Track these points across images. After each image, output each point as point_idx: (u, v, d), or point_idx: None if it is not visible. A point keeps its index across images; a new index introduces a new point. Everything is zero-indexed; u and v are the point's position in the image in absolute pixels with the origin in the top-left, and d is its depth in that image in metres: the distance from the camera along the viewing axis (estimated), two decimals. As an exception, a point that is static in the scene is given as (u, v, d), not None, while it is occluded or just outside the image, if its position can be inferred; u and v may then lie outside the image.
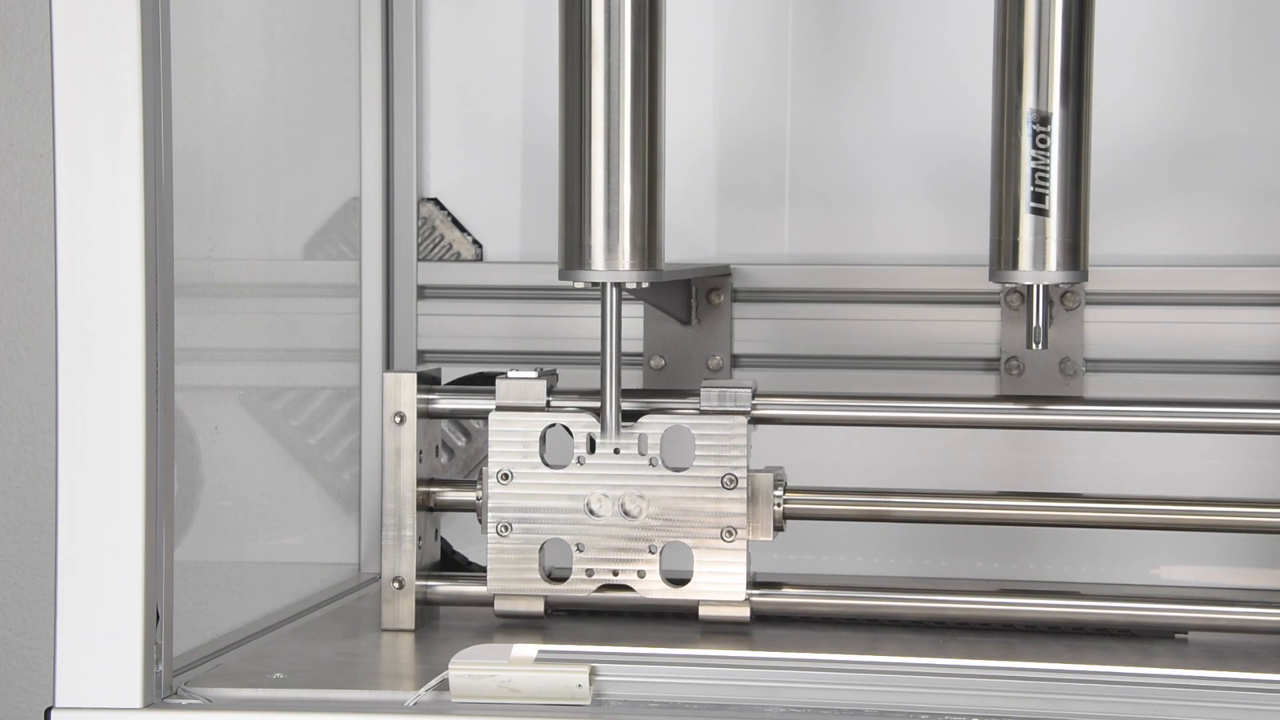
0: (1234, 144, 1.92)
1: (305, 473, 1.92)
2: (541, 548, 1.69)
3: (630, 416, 1.69)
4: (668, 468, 1.68)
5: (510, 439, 1.69)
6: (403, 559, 1.71)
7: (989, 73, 1.66)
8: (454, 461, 2.05)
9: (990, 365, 1.95)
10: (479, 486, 1.70)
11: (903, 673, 1.45)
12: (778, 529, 1.68)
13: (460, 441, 2.05)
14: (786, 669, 1.46)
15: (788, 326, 1.99)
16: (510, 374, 1.71)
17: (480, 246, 2.07)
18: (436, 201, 2.06)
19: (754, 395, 1.69)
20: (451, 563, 1.85)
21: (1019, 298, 1.91)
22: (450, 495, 1.75)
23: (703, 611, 1.67)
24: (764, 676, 1.45)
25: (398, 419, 1.71)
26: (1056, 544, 1.94)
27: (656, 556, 1.67)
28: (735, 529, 1.66)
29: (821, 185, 2.02)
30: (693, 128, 2.01)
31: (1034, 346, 1.68)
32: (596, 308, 1.69)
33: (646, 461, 1.68)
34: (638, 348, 2.00)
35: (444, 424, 2.00)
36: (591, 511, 1.68)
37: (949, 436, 1.92)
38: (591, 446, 1.68)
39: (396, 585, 1.71)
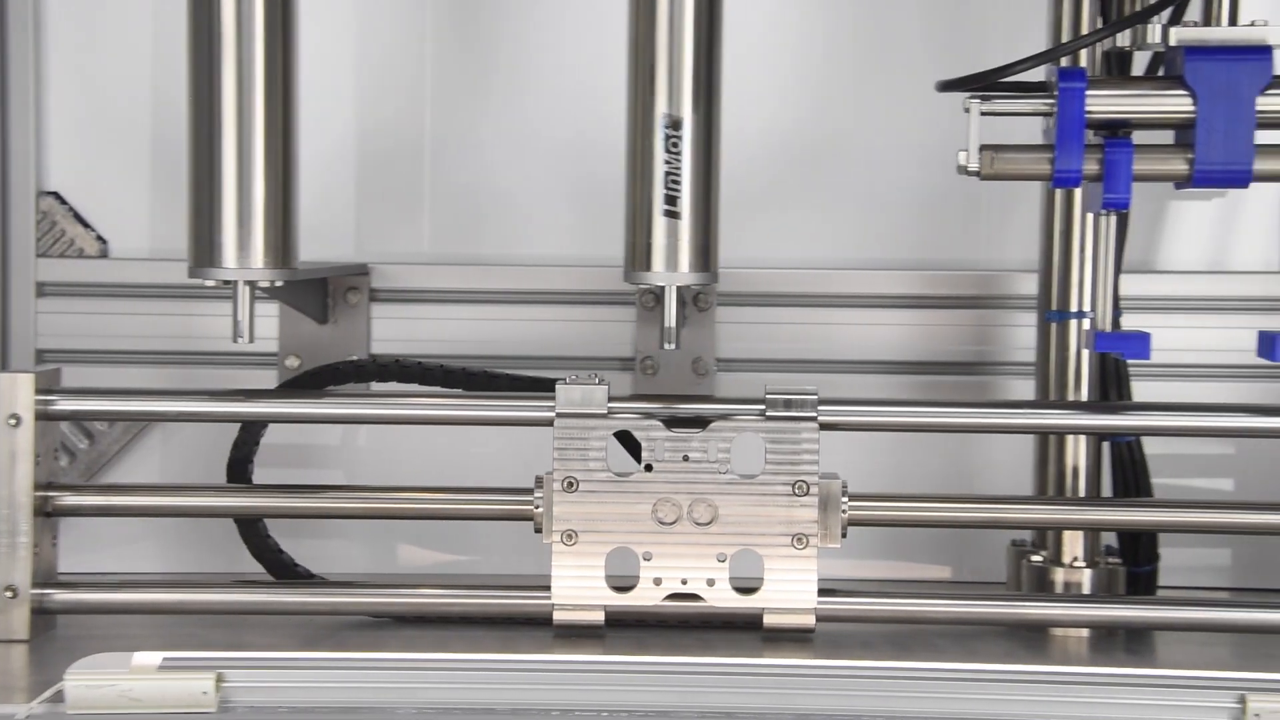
0: (858, 153, 2.00)
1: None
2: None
3: (690, 423, 1.65)
4: (738, 475, 1.64)
5: (574, 446, 1.64)
6: (17, 566, 1.63)
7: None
8: (75, 465, 1.97)
9: (626, 365, 1.98)
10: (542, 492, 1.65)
11: (540, 670, 1.46)
12: (843, 535, 1.65)
13: (83, 444, 1.98)
14: (420, 670, 1.45)
15: (427, 326, 1.98)
16: (570, 379, 1.66)
17: (105, 243, 1.99)
18: (57, 195, 1.98)
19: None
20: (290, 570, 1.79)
21: (653, 298, 1.94)
22: (70, 500, 1.68)
23: (768, 620, 1.65)
24: (398, 678, 1.44)
25: (13, 421, 1.63)
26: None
27: (726, 565, 1.64)
28: (807, 536, 1.63)
29: (462, 186, 2.01)
30: (331, 129, 1.98)
31: (667, 346, 1.72)
32: (229, 306, 1.65)
33: (717, 468, 1.64)
34: (273, 347, 1.96)
35: (65, 426, 1.93)
36: (660, 520, 1.64)
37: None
38: (659, 454, 1.64)
39: (9, 594, 1.63)
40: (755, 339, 1.98)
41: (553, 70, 2.00)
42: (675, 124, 1.66)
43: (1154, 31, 1.57)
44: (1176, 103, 1.55)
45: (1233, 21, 1.56)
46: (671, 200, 1.67)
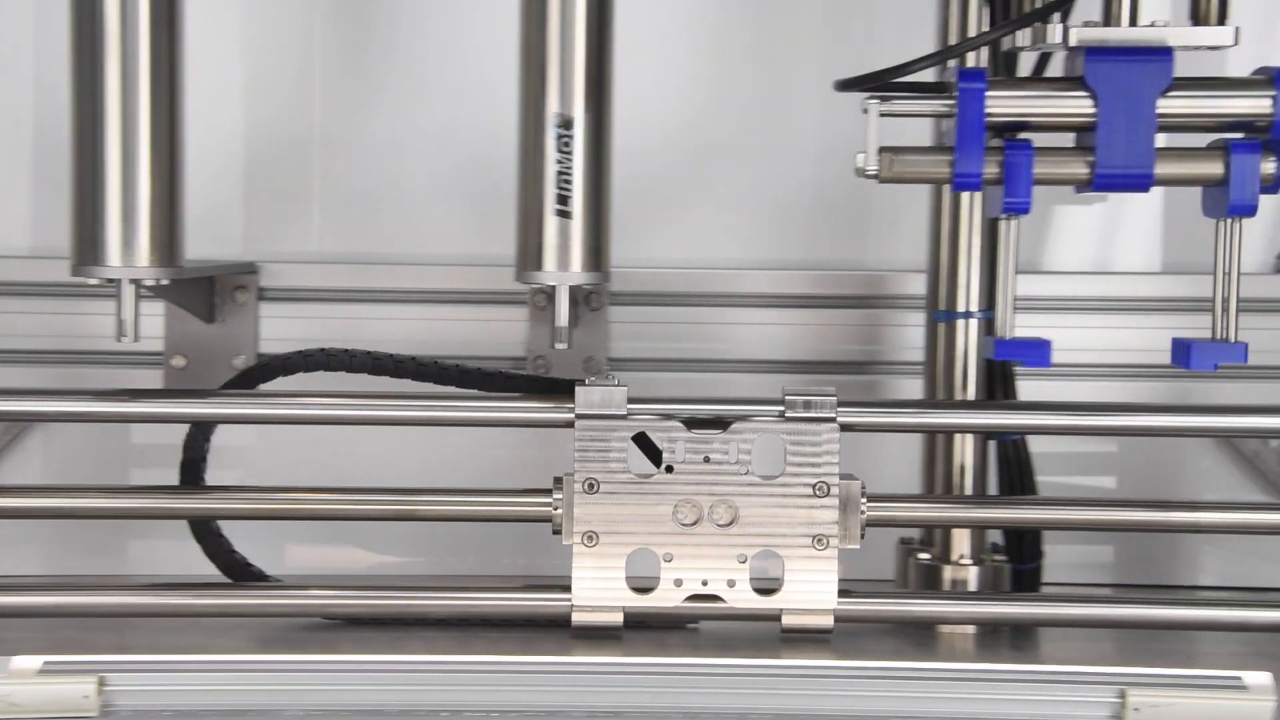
0: (750, 151, 2.01)
1: None
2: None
3: (710, 424, 1.64)
4: (759, 476, 1.64)
5: (595, 447, 1.63)
6: (-107, 571, 1.60)
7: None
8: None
9: (518, 364, 1.97)
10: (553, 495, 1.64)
11: (422, 671, 1.45)
12: (861, 536, 1.65)
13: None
14: (306, 671, 1.44)
15: (316, 325, 1.97)
16: (589, 381, 1.65)
17: (-15, 239, 1.97)
18: (-67, 192, 1.96)
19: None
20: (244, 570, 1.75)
21: (545, 298, 1.94)
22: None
23: (786, 620, 1.64)
24: (283, 680, 1.43)
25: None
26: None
27: (746, 566, 1.64)
28: (827, 537, 1.63)
29: (352, 184, 2.00)
30: (219, 126, 1.96)
31: (558, 346, 1.71)
32: (114, 305, 1.62)
33: (738, 469, 1.64)
34: (158, 346, 1.93)
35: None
36: (681, 521, 1.64)
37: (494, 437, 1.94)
38: (679, 455, 1.64)
39: (-114, 599, 1.60)
40: (648, 338, 1.98)
41: (445, 67, 1.99)
42: (567, 123, 1.66)
43: (1054, 31, 1.54)
44: (1077, 104, 1.54)
45: (1133, 22, 1.55)
46: (563, 200, 1.67)
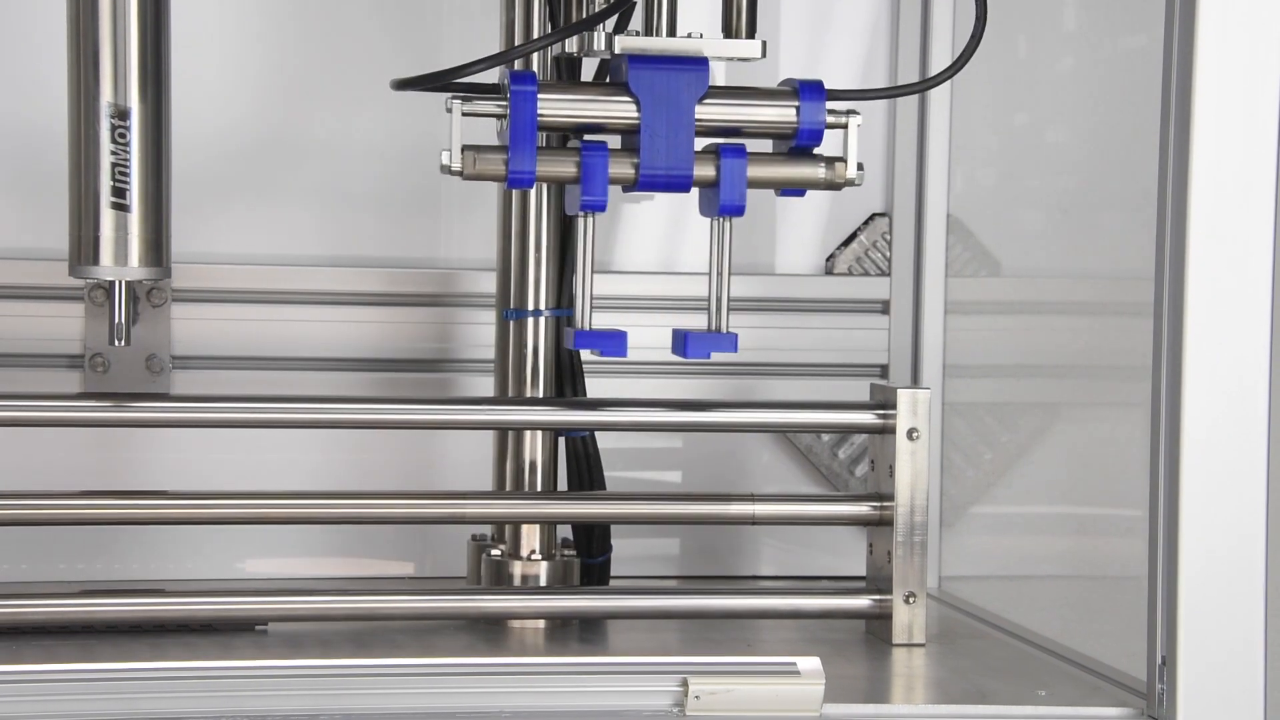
0: (315, 148, 1.98)
1: None
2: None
3: None
4: None
5: None
6: None
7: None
8: None
9: (75, 362, 1.90)
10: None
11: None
12: None
13: None
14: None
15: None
16: None
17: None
18: None
19: None
20: None
21: (103, 293, 1.87)
22: None
23: None
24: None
25: None
26: (140, 542, 1.93)
27: None
28: None
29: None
30: None
31: (117, 343, 1.67)
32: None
33: None
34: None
35: None
36: None
37: (29, 436, 1.85)
38: None
39: None
40: (212, 336, 1.93)
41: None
42: (122, 114, 1.61)
43: (600, 39, 1.62)
44: (622, 109, 1.60)
45: (671, 33, 1.63)
46: (120, 193, 1.62)
